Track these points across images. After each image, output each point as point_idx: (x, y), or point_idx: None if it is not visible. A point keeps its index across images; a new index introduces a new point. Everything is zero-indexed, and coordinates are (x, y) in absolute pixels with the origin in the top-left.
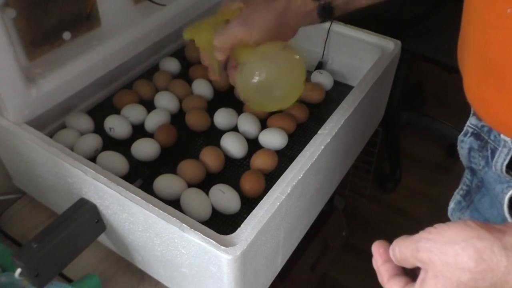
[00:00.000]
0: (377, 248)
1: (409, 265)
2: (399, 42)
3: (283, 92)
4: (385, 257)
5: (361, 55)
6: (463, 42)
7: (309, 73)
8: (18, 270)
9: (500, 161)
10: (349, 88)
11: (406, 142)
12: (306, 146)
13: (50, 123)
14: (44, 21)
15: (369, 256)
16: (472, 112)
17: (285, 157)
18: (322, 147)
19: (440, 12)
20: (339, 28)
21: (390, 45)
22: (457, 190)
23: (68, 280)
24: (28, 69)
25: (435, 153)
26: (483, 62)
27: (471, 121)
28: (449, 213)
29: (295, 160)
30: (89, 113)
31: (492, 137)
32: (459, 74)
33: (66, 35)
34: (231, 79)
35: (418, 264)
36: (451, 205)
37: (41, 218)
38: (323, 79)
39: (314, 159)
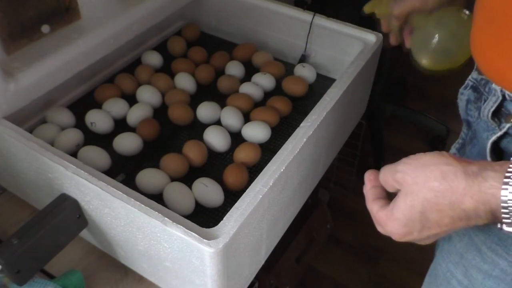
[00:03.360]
0: (368, 175)
1: (390, 187)
2: (380, 35)
3: (454, 53)
4: (373, 183)
5: (343, 48)
6: None
7: (292, 66)
8: None
9: (488, 108)
10: (332, 81)
11: (390, 135)
12: (289, 139)
13: (30, 118)
14: (22, 14)
15: (354, 248)
16: (475, 67)
17: (269, 150)
18: (304, 139)
19: None
20: (321, 21)
21: (372, 38)
22: (454, 144)
23: (50, 276)
24: (6, 63)
25: (418, 146)
26: (485, 12)
27: (472, 75)
28: None
29: (277, 153)
30: (70, 107)
31: (487, 89)
32: None
33: (45, 28)
34: (406, 43)
35: (395, 185)
36: None
37: (22, 214)
38: (306, 72)
39: (296, 151)
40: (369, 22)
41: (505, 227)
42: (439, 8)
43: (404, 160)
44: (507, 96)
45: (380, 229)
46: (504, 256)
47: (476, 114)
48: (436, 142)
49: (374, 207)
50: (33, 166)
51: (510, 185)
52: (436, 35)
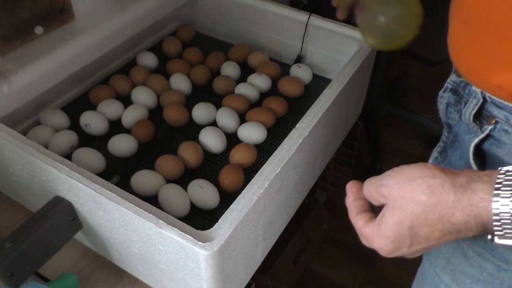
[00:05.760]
0: (350, 187)
1: (374, 200)
2: None
3: (400, 32)
4: (356, 195)
5: (339, 48)
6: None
7: (287, 67)
8: None
9: (469, 110)
10: (328, 81)
11: (387, 135)
12: (284, 140)
13: (23, 120)
14: (15, 15)
15: (351, 248)
16: (453, 70)
17: (264, 151)
18: (300, 140)
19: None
20: (317, 21)
21: None
22: (435, 148)
23: (45, 280)
24: None
25: (415, 146)
26: (461, 15)
27: (451, 78)
28: None
29: (273, 154)
30: (64, 109)
31: (466, 91)
32: (438, 67)
33: (38, 29)
34: (357, 20)
35: (381, 199)
36: (430, 161)
37: (16, 217)
38: (302, 72)
39: (292, 152)
40: None
41: (496, 239)
42: None
43: (389, 173)
44: (487, 98)
45: (366, 243)
46: (491, 260)
47: (456, 117)
48: (432, 142)
49: (358, 221)
50: (26, 169)
51: (501, 197)
52: (382, 16)
